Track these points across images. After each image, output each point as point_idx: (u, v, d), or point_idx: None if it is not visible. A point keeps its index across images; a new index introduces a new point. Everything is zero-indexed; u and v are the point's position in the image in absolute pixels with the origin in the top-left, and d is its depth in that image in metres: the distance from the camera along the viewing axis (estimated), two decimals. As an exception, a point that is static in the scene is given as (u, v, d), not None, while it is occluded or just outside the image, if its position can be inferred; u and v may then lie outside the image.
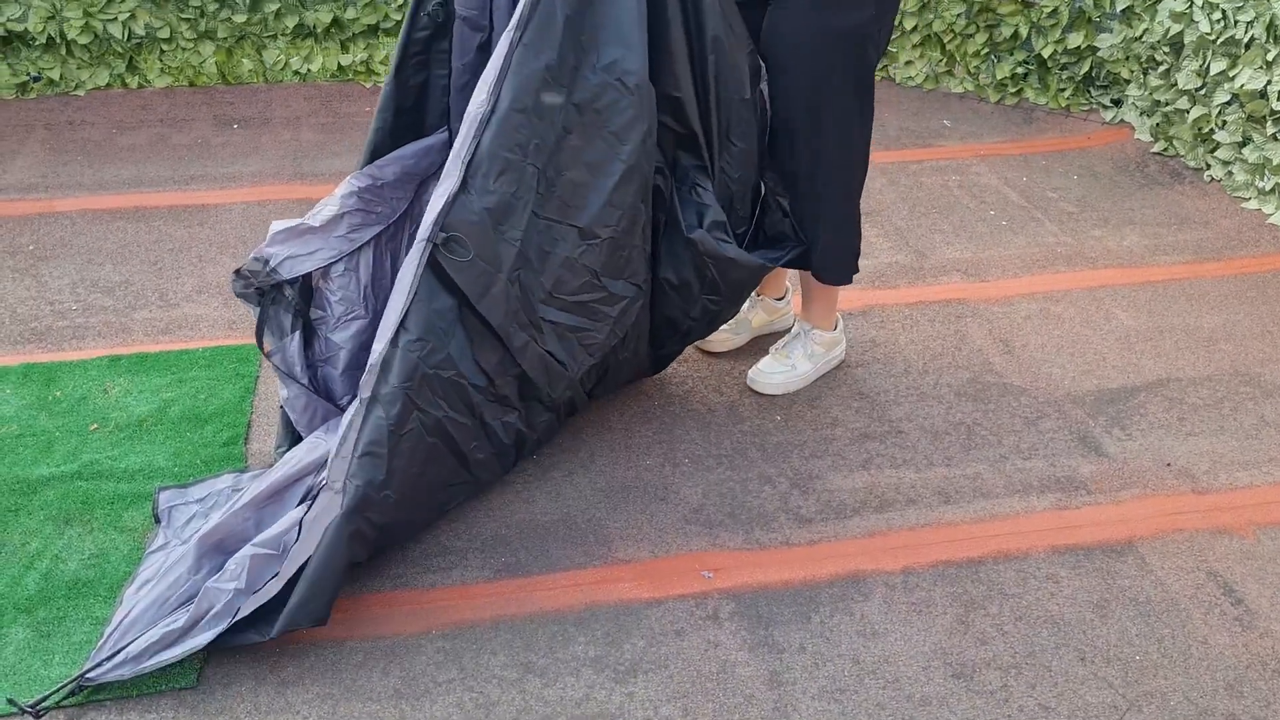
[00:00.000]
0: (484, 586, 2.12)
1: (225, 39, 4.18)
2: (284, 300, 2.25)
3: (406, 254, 2.11)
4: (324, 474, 2.02)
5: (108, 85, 4.15)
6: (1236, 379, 2.71)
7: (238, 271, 2.20)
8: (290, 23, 4.16)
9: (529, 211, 2.09)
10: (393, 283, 2.25)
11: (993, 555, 2.20)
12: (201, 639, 1.88)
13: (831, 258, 2.51)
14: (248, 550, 1.97)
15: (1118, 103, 4.10)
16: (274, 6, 4.12)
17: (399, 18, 4.20)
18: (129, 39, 4.07)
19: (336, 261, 2.22)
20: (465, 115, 2.05)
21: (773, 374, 2.63)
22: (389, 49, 4.26)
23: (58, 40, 4.03)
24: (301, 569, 1.93)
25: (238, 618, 1.90)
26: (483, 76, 2.05)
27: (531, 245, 2.13)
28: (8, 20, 3.93)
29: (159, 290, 3.01)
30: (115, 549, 2.16)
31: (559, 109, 2.06)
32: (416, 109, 2.30)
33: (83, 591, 2.07)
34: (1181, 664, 1.97)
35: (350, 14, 4.18)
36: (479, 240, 2.04)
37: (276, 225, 2.24)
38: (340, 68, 4.27)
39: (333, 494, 1.95)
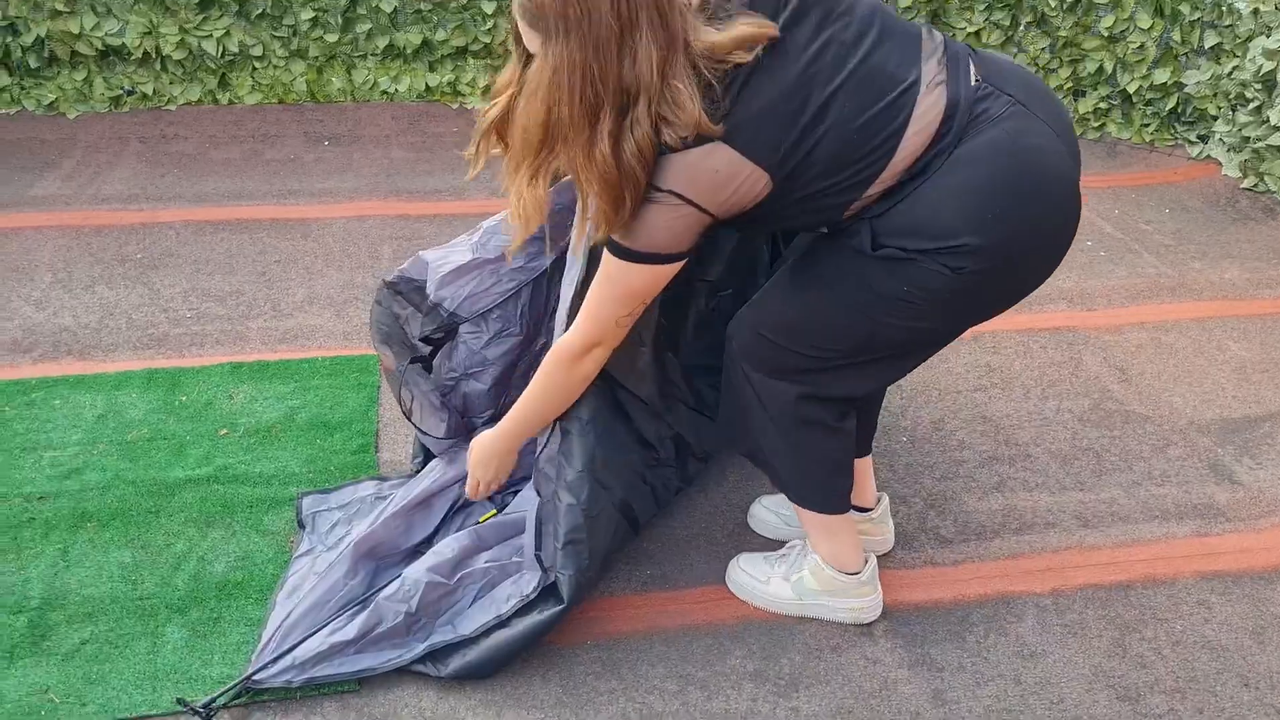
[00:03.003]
0: (634, 598, 2.10)
1: (316, 58, 4.21)
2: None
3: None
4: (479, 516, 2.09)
5: (199, 101, 4.18)
6: (1359, 411, 2.70)
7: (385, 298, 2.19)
8: (381, 43, 4.20)
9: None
10: (548, 304, 2.25)
11: (1140, 580, 2.18)
12: (373, 663, 1.88)
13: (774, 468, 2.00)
14: (423, 575, 1.96)
15: (1204, 138, 4.12)
16: (365, 27, 4.16)
17: (488, 40, 4.24)
18: (222, 56, 4.11)
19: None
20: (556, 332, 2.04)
21: (740, 576, 2.12)
22: (475, 71, 4.30)
23: (153, 56, 4.07)
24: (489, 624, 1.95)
25: (418, 654, 1.90)
26: (560, 302, 2.01)
27: (667, 312, 2.12)
28: (106, 35, 3.97)
29: (270, 300, 3.02)
30: (259, 551, 2.15)
31: None
32: None
33: (233, 593, 2.06)
34: (1347, 692, 1.95)
35: (440, 36, 4.22)
36: None
37: (431, 256, 2.19)
38: (427, 88, 4.31)
39: (538, 572, 1.96)
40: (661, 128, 1.53)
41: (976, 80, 1.62)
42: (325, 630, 1.90)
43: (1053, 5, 4.14)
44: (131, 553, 2.14)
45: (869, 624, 2.05)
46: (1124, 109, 4.25)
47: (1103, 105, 4.26)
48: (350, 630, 1.89)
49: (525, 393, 1.93)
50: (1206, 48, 3.96)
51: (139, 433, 2.46)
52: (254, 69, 4.20)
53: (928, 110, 1.58)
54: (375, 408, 2.59)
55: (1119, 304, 3.16)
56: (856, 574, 2.01)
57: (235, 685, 1.83)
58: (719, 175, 1.56)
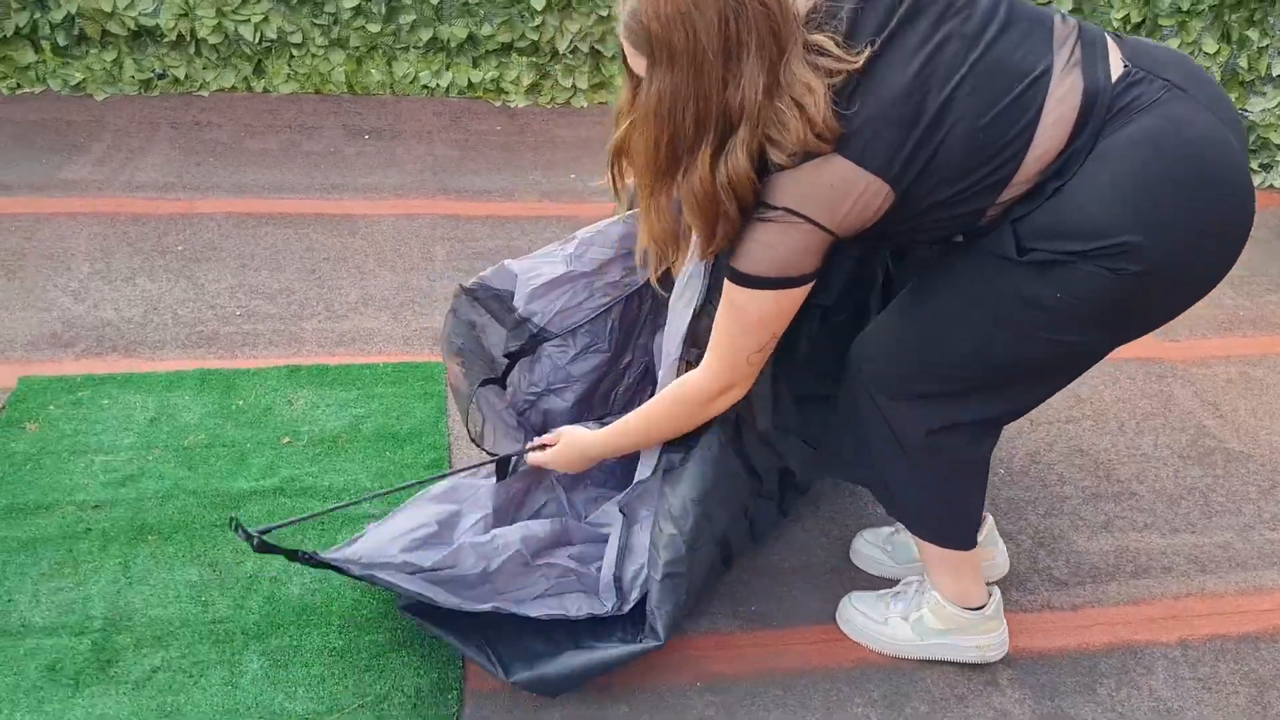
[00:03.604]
0: (739, 637, 1.97)
1: (357, 48, 4.06)
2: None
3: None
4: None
5: (232, 88, 4.01)
6: None
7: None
8: (424, 35, 4.05)
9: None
10: (639, 321, 2.12)
11: (1270, 632, 2.07)
12: (434, 595, 1.75)
13: (835, 454, 1.93)
14: (515, 540, 1.85)
15: (1267, 167, 4.04)
16: (409, 18, 4.01)
17: (535, 37, 4.10)
18: (260, 41, 3.95)
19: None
20: (664, 353, 1.91)
21: (855, 615, 1.98)
22: (521, 69, 4.16)
23: (186, 38, 3.90)
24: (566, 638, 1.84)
25: (480, 609, 1.78)
26: (666, 345, 1.91)
27: (782, 342, 1.97)
28: (139, 14, 3.80)
29: (323, 300, 2.87)
30: (335, 574, 2.00)
31: None
32: None
33: (312, 619, 1.91)
34: None
35: (485, 30, 4.07)
36: None
37: (519, 267, 2.06)
38: (470, 84, 4.16)
39: (613, 597, 1.89)
40: (768, 148, 1.45)
41: (1125, 65, 1.48)
42: (401, 546, 1.78)
43: (1114, 29, 4.05)
44: (199, 570, 1.98)
45: (994, 666, 1.92)
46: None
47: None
48: (425, 559, 1.77)
49: (640, 415, 1.81)
50: (1274, 75, 3.88)
51: (196, 438, 2.30)
52: (291, 56, 4.04)
53: (1063, 100, 1.45)
54: (445, 419, 2.44)
55: (1201, 335, 3.05)
56: (981, 608, 1.89)
57: (298, 553, 1.71)
58: (834, 190, 1.46)
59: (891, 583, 2.07)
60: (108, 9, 3.76)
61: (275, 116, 3.90)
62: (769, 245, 1.51)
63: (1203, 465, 2.52)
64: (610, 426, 1.88)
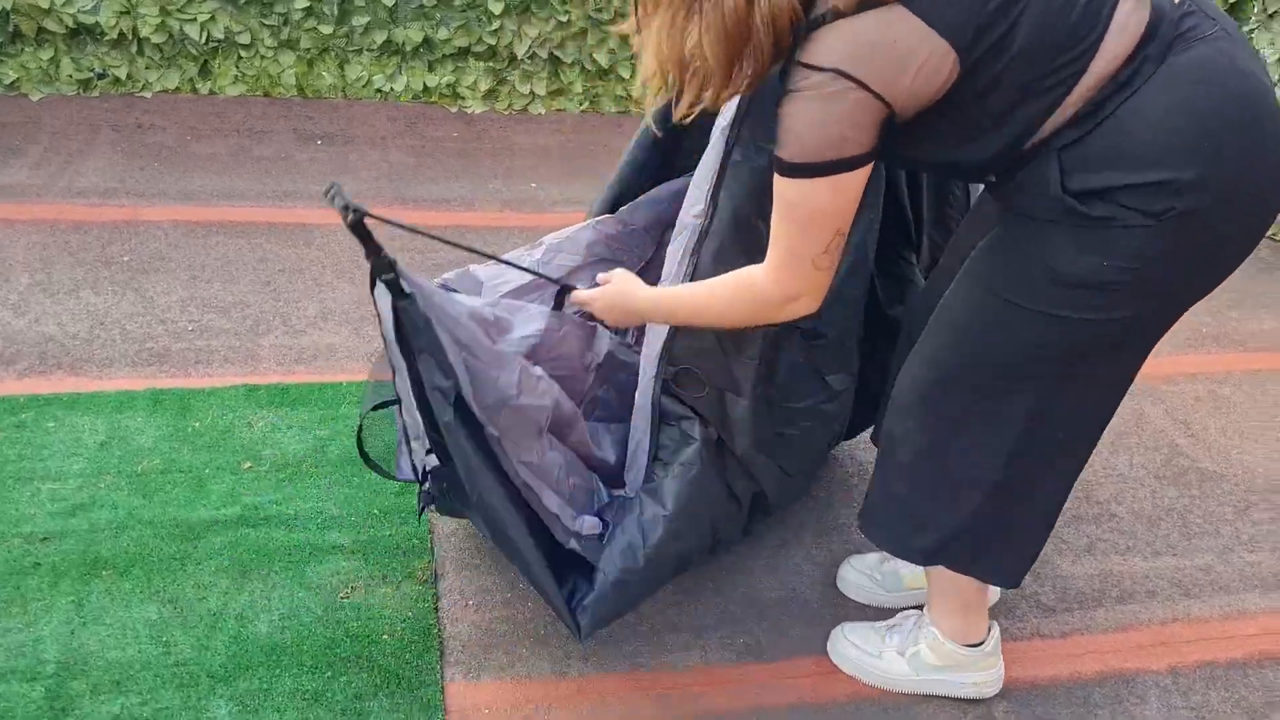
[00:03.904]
0: (730, 670, 1.90)
1: (308, 50, 3.92)
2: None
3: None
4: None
5: (177, 89, 3.86)
6: None
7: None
8: (378, 38, 3.93)
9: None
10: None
11: (1256, 658, 2.06)
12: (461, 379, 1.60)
13: (880, 515, 1.78)
14: (551, 397, 1.75)
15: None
16: (363, 20, 3.89)
17: (492, 42, 4.00)
18: (206, 41, 3.80)
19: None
20: (679, 221, 1.79)
21: (849, 649, 1.91)
22: (478, 74, 4.06)
23: (128, 37, 3.74)
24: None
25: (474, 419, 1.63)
26: (696, 177, 1.80)
27: (764, 360, 1.89)
28: (78, 11, 3.63)
29: (280, 314, 2.75)
30: (305, 609, 1.90)
31: None
32: (670, 146, 2.06)
33: (283, 660, 1.80)
34: None
35: (442, 34, 3.96)
36: (712, 368, 1.79)
37: (483, 274, 2.00)
38: (425, 89, 4.05)
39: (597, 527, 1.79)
40: None
41: None
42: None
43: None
44: (158, 608, 1.87)
45: (990, 700, 1.89)
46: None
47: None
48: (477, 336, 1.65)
49: (704, 287, 1.60)
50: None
51: (150, 463, 2.18)
52: (239, 58, 3.89)
53: (1132, 12, 1.33)
54: (413, 442, 2.34)
55: (1167, 352, 3.06)
56: (980, 645, 1.84)
57: (379, 249, 1.57)
58: (897, 48, 1.28)
59: (882, 613, 2.02)
60: (44, 5, 3.59)
61: (223, 120, 3.76)
62: (815, 122, 1.32)
63: (1178, 485, 2.51)
64: (667, 288, 1.71)
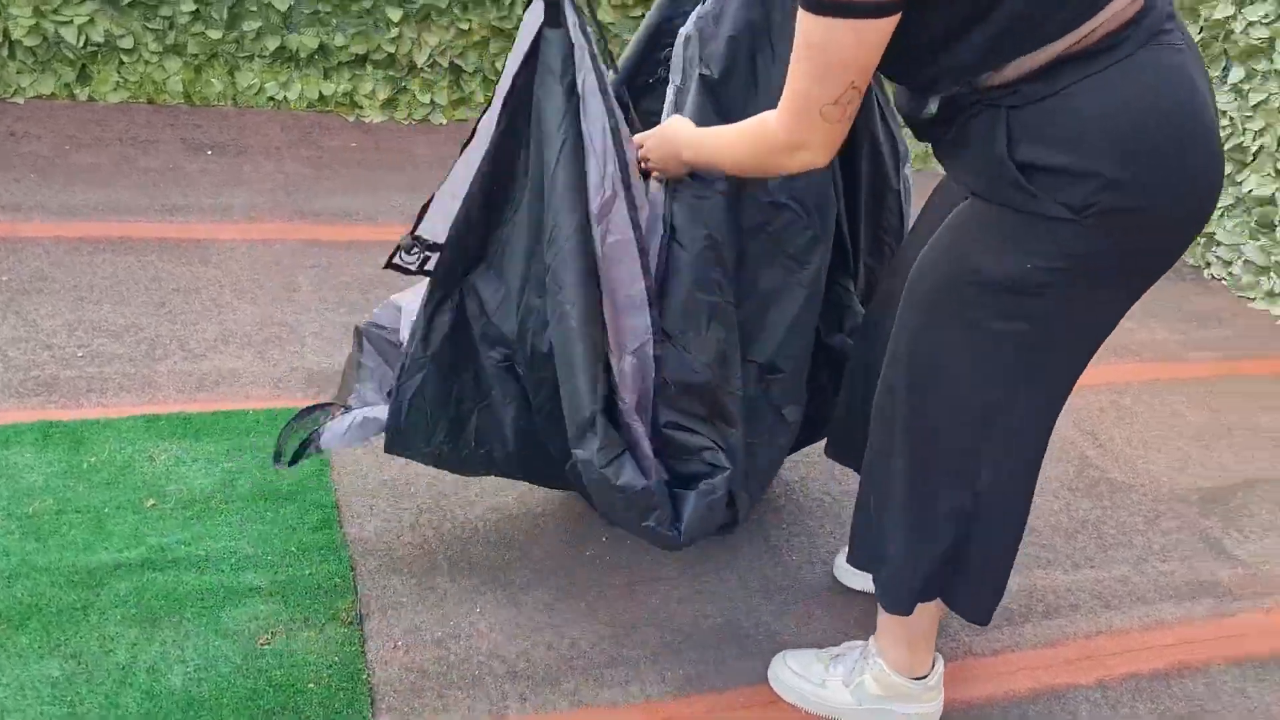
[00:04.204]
0: (673, 705, 1.86)
1: (195, 55, 3.75)
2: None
3: None
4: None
5: (52, 95, 3.64)
6: (1316, 481, 2.76)
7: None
8: (270, 44, 3.78)
9: (738, 351, 1.81)
10: None
11: (1176, 668, 2.11)
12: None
13: (863, 550, 1.80)
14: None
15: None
16: (254, 25, 3.74)
17: (391, 49, 3.89)
18: (84, 45, 3.59)
19: None
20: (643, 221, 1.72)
21: (791, 677, 1.89)
22: (376, 82, 3.94)
23: (-1, 39, 3.52)
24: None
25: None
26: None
27: (713, 409, 1.81)
28: (-58, 11, 3.40)
29: (177, 338, 2.60)
30: (223, 658, 1.79)
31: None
32: None
33: (200, 715, 1.69)
34: (1399, 787, 1.92)
35: (338, 41, 3.83)
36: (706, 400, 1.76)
37: (403, 300, 1.99)
38: (321, 97, 3.91)
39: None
40: None
41: (1169, 4, 1.41)
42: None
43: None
44: (60, 663, 1.73)
45: (929, 726, 1.89)
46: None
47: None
48: None
49: (729, 130, 1.60)
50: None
51: (43, 504, 2.03)
52: (121, 63, 3.70)
53: None
54: (329, 471, 2.24)
55: (1070, 364, 3.14)
56: (924, 678, 1.83)
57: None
58: None
59: (822, 640, 2.01)
60: (-96, 4, 3.35)
61: (104, 128, 3.57)
62: None
63: (1091, 497, 2.57)
64: (705, 129, 1.68)
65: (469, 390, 1.83)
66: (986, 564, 1.72)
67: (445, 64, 3.97)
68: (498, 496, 2.26)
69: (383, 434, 1.87)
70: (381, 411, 1.85)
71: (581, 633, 1.96)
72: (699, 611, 2.06)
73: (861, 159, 1.90)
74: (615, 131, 1.62)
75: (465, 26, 3.89)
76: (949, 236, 1.54)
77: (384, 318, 2.10)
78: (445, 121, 4.03)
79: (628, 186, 1.64)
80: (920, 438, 1.62)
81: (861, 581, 2.08)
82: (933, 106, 1.45)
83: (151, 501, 2.08)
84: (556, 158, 1.61)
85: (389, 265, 1.92)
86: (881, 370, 1.66)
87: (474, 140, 1.77)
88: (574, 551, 2.16)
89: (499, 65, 4.02)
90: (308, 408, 1.92)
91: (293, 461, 1.84)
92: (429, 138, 3.93)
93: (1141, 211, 1.37)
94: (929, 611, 1.77)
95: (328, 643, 1.85)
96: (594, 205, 1.61)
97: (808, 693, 1.87)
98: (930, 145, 1.54)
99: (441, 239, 1.80)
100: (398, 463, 2.31)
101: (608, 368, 1.64)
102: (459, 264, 1.79)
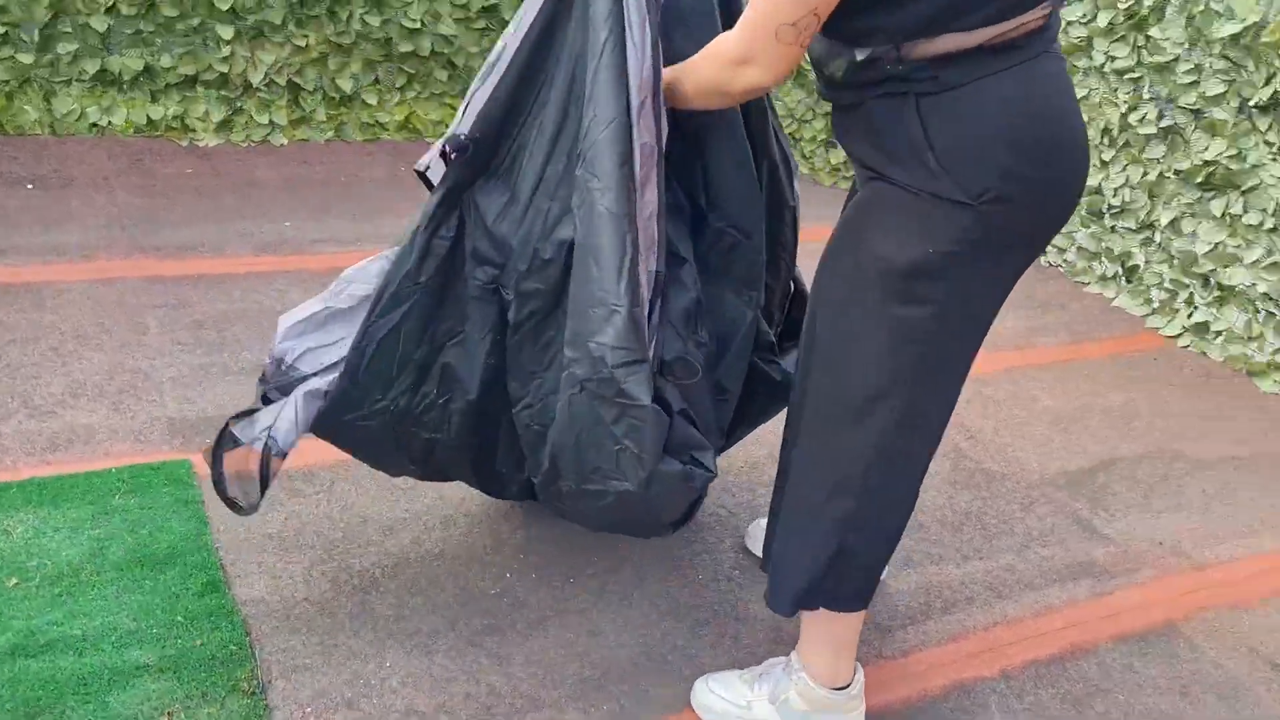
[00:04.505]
0: (600, 743, 1.83)
1: (6, 81, 3.47)
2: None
3: None
4: None
5: None
6: (1166, 455, 2.93)
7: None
8: (90, 67, 3.54)
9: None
10: None
11: (1069, 650, 2.20)
12: None
13: (773, 565, 1.79)
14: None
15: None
16: (70, 48, 3.49)
17: (224, 69, 3.70)
18: (-124, 74, 3.28)
19: None
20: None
21: (715, 701, 1.88)
22: (209, 103, 3.74)
23: None
24: None
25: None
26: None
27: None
28: None
29: (19, 394, 2.40)
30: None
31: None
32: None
33: (101, 814, 1.55)
34: (1277, 743, 2.05)
35: (165, 61, 3.62)
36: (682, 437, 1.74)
37: (287, 319, 1.86)
38: (150, 121, 3.68)
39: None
40: None
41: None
42: None
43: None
44: (-69, 776, 1.57)
45: (851, 736, 1.91)
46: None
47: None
48: None
49: (698, 53, 1.61)
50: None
51: (-113, 595, 1.84)
52: (-80, 92, 3.39)
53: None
54: (208, 530, 2.11)
55: (933, 358, 3.24)
56: (846, 688, 1.85)
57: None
58: None
59: (741, 662, 2.00)
60: None
61: (-96, 164, 3.27)
62: None
63: (970, 489, 2.66)
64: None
65: (448, 321, 1.79)
66: (873, 559, 1.75)
67: (283, 82, 3.80)
68: (392, 539, 2.17)
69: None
70: (322, 380, 1.78)
71: (499, 677, 1.90)
72: (614, 642, 2.03)
73: (763, 178, 1.90)
74: (655, 42, 1.62)
75: (302, 43, 3.74)
76: (849, 227, 1.60)
77: (288, 349, 1.96)
78: (286, 142, 3.86)
79: (656, 94, 1.63)
80: (820, 423, 1.65)
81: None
82: (859, 55, 1.48)
83: (14, 580, 1.91)
84: (600, 51, 1.60)
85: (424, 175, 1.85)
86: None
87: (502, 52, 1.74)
88: (479, 591, 2.10)
89: (340, 82, 3.88)
90: (223, 430, 1.77)
91: (262, 489, 1.75)
92: (270, 159, 3.76)
93: (1029, 200, 1.49)
94: (853, 619, 1.79)
95: (230, 717, 1.73)
96: (634, 99, 1.60)
97: (734, 716, 1.86)
98: (835, 132, 1.60)
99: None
100: (281, 514, 2.19)
101: (635, 265, 1.60)
102: (467, 177, 1.74)
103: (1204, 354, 3.51)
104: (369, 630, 1.96)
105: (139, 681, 1.76)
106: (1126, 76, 3.65)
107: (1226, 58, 3.36)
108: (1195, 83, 3.46)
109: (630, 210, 1.58)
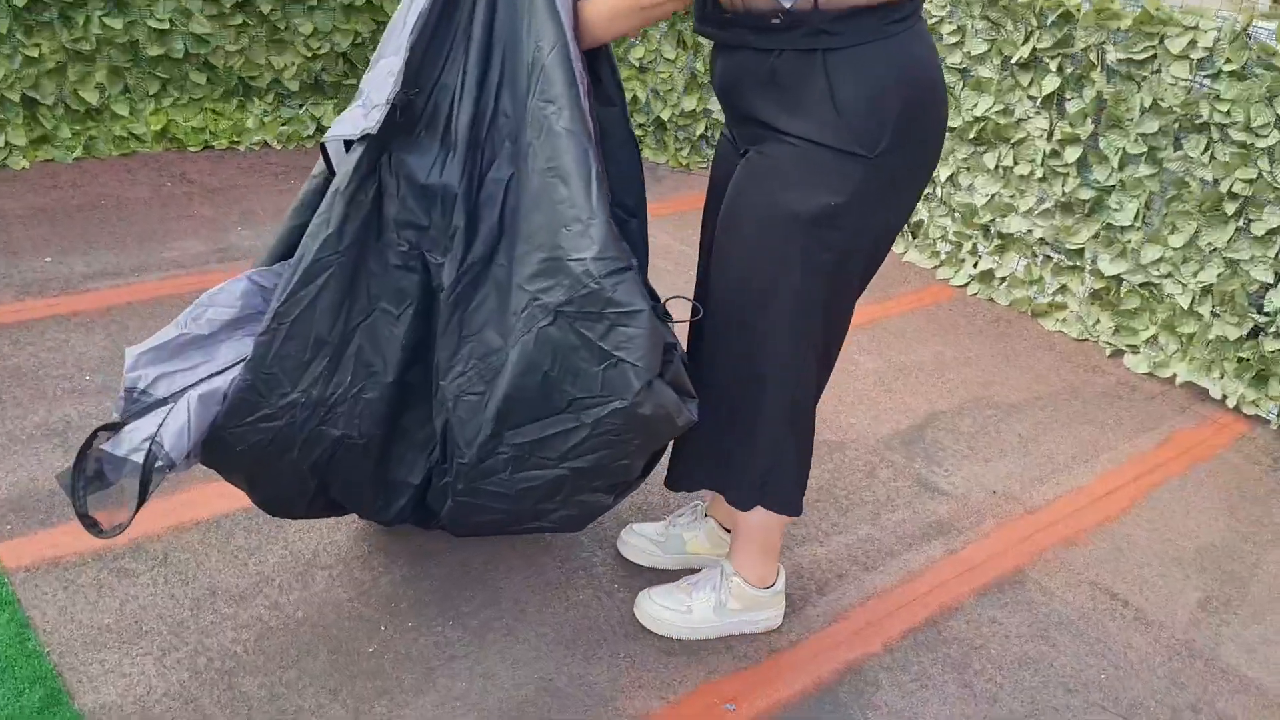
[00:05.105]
0: (519, 797, 1.74)
1: None
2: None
3: None
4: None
5: None
6: (980, 404, 3.10)
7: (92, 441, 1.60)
8: None
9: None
10: None
11: (938, 613, 2.28)
12: None
13: (751, 477, 1.95)
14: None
15: (733, 160, 4.45)
16: None
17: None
18: None
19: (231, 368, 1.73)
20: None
21: (659, 611, 2.07)
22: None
23: None
24: None
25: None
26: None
27: None
28: None
29: None
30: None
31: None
32: None
33: None
34: (1132, 672, 2.20)
35: None
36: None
37: (135, 349, 1.70)
38: None
39: None
40: None
41: None
42: None
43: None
44: None
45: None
46: (658, 135, 4.45)
47: (638, 132, 4.41)
48: None
49: None
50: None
51: None
52: None
53: None
54: (30, 632, 1.86)
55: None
56: (772, 586, 2.10)
57: None
58: None
59: (673, 574, 2.20)
60: None
61: None
62: None
63: (816, 463, 2.71)
64: None
65: (362, 298, 1.73)
66: (803, 460, 1.99)
67: (16, 98, 3.39)
68: (247, 608, 2.00)
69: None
70: (221, 380, 1.69)
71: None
72: (510, 683, 1.95)
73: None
74: None
75: (34, 53, 3.34)
76: (747, 186, 1.74)
77: (138, 376, 1.76)
78: (28, 165, 3.45)
79: (575, 30, 1.67)
80: (778, 362, 1.83)
81: (646, 557, 2.25)
82: (785, 3, 1.59)
83: None
84: None
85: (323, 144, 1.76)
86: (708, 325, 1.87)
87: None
88: (355, 652, 1.96)
89: (83, 94, 3.50)
90: (88, 441, 1.59)
91: (138, 506, 1.58)
92: (12, 186, 3.36)
93: (913, 155, 1.72)
94: (780, 525, 2.04)
95: None
96: (567, 25, 1.63)
97: (678, 621, 2.07)
98: (721, 83, 1.76)
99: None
100: (114, 600, 1.98)
101: (602, 179, 1.63)
102: (387, 134, 1.68)
103: (991, 300, 3.72)
104: (241, 716, 1.79)
105: (-11, 829, 1.54)
106: (897, 40, 3.79)
107: (987, 18, 3.54)
108: (960, 42, 3.63)
109: (586, 127, 1.62)
